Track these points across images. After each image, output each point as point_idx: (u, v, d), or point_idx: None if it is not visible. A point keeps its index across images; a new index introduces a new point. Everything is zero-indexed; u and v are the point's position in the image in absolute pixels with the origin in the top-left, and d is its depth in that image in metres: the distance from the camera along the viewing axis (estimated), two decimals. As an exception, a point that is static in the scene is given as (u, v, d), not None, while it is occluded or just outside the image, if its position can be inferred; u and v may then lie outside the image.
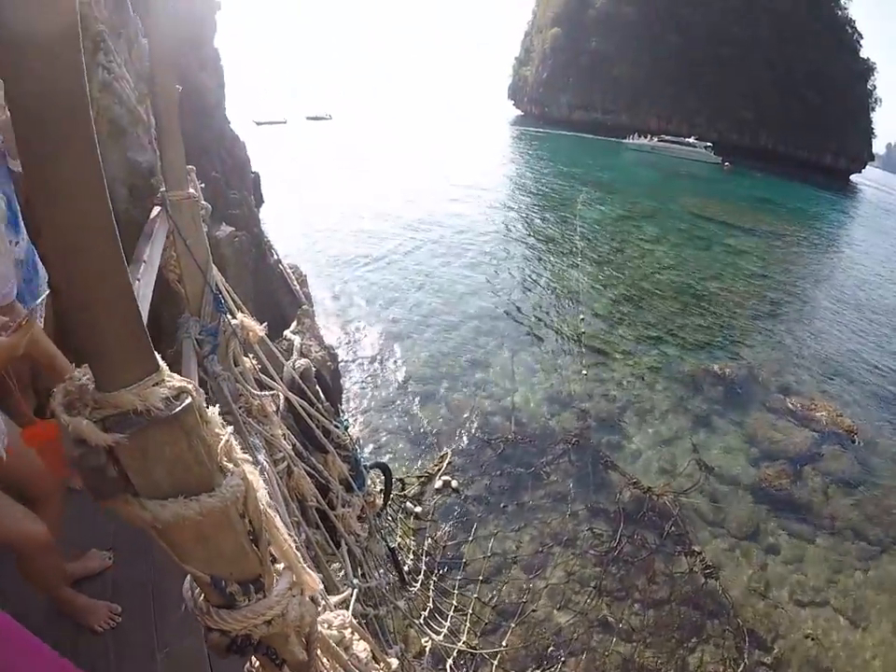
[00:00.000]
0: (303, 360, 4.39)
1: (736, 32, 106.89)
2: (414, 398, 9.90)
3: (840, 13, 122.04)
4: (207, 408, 0.97)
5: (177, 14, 4.70)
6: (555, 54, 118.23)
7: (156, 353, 0.90)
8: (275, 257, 7.76)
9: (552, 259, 19.07)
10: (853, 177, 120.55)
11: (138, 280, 1.99)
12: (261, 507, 1.01)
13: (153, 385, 0.87)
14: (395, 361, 11.06)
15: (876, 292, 24.03)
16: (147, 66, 3.31)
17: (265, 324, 3.14)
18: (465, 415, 9.50)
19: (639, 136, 78.13)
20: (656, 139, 77.14)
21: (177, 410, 0.88)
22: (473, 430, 9.18)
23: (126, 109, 3.81)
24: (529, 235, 21.82)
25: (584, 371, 11.38)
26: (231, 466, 0.97)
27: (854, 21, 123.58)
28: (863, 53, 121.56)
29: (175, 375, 0.92)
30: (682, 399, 11.35)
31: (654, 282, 18.22)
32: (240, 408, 2.83)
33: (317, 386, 4.44)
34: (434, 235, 20.02)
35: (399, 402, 9.70)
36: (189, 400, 0.90)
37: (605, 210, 28.78)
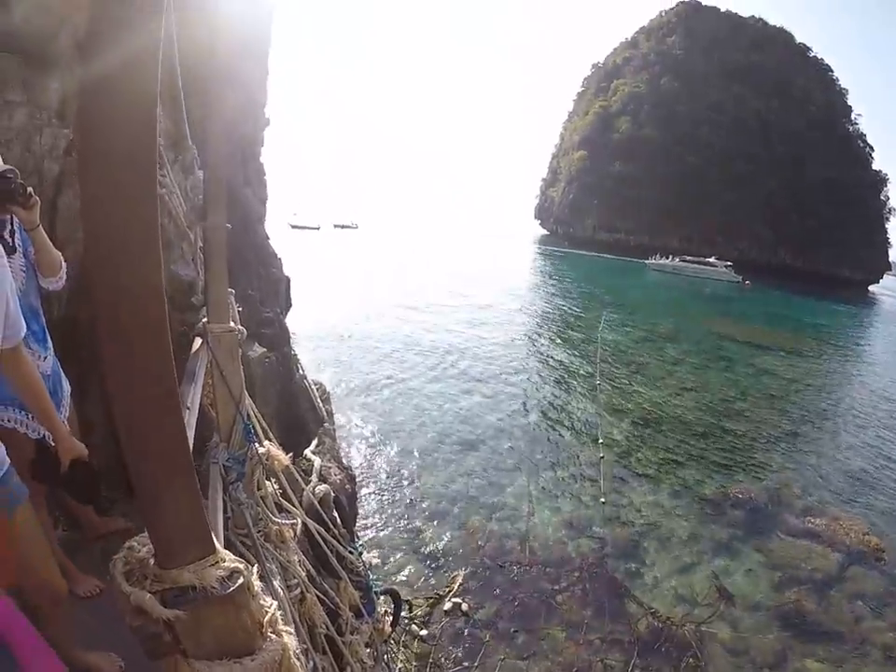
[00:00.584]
0: (323, 486, 4.59)
1: (753, 152, 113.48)
2: (429, 518, 9.97)
3: (851, 128, 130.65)
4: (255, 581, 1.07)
5: (231, 145, 5.11)
6: (581, 176, 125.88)
7: (212, 535, 1.01)
8: (301, 372, 8.02)
9: (572, 381, 19.36)
10: (871, 288, 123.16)
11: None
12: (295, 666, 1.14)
13: (210, 566, 0.98)
14: (411, 482, 11.18)
15: None
16: (200, 200, 3.65)
17: (290, 454, 3.32)
18: (479, 537, 9.52)
19: (661, 257, 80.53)
20: (678, 259, 79.33)
21: (231, 590, 0.98)
22: (487, 553, 9.17)
23: (174, 224, 3.91)
24: (550, 356, 22.27)
25: (602, 498, 11.39)
26: (272, 635, 1.08)
27: (865, 136, 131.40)
28: (875, 165, 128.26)
29: (230, 555, 1.03)
30: (703, 525, 11.24)
31: (675, 404, 18.32)
32: (259, 532, 2.95)
33: (334, 512, 4.60)
34: (455, 355, 20.54)
35: (413, 523, 9.75)
36: (241, 581, 1.00)
37: (627, 331, 29.42)
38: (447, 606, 7.72)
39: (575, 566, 9.25)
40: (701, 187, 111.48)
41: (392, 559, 8.78)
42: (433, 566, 8.76)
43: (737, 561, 10.34)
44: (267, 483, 3.19)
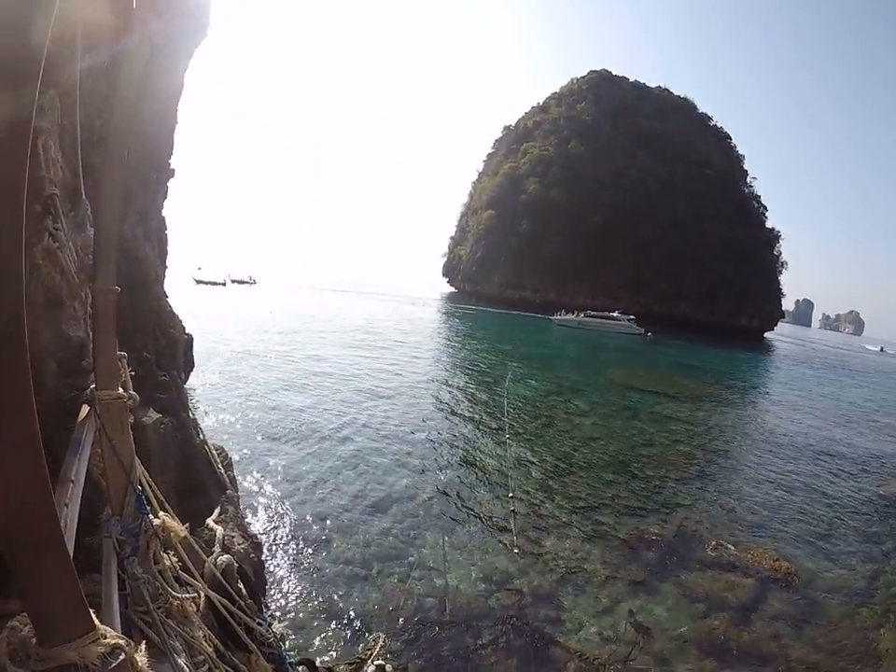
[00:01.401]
0: (225, 557, 4.46)
1: (655, 213, 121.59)
2: (344, 582, 9.68)
3: (747, 190, 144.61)
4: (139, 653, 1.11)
5: (126, 202, 4.90)
6: (489, 235, 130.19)
7: (91, 612, 1.00)
8: (201, 437, 7.81)
9: (482, 436, 19.53)
10: (767, 334, 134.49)
11: (66, 506, 2.01)
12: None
13: (90, 643, 0.98)
14: (323, 545, 10.84)
15: (795, 438, 26.26)
16: (90, 260, 3.41)
17: (188, 524, 3.27)
18: (397, 598, 9.30)
19: (566, 313, 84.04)
20: (582, 314, 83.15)
21: (113, 666, 0.99)
22: (406, 612, 8.96)
23: (66, 281, 3.60)
24: (460, 413, 22.44)
25: (516, 550, 11.39)
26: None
27: (759, 196, 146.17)
28: (769, 224, 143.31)
29: (111, 631, 1.04)
30: (619, 566, 11.47)
31: (584, 454, 18.83)
32: (159, 608, 2.81)
33: (240, 583, 4.47)
34: (364, 415, 20.29)
35: (328, 588, 9.42)
36: (122, 657, 1.02)
37: (534, 385, 30.19)
38: (370, 669, 7.45)
39: (496, 618, 9.18)
40: (605, 245, 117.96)
41: (308, 627, 8.43)
42: (352, 630, 8.49)
43: (657, 597, 10.58)
44: (165, 555, 3.09)
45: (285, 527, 11.38)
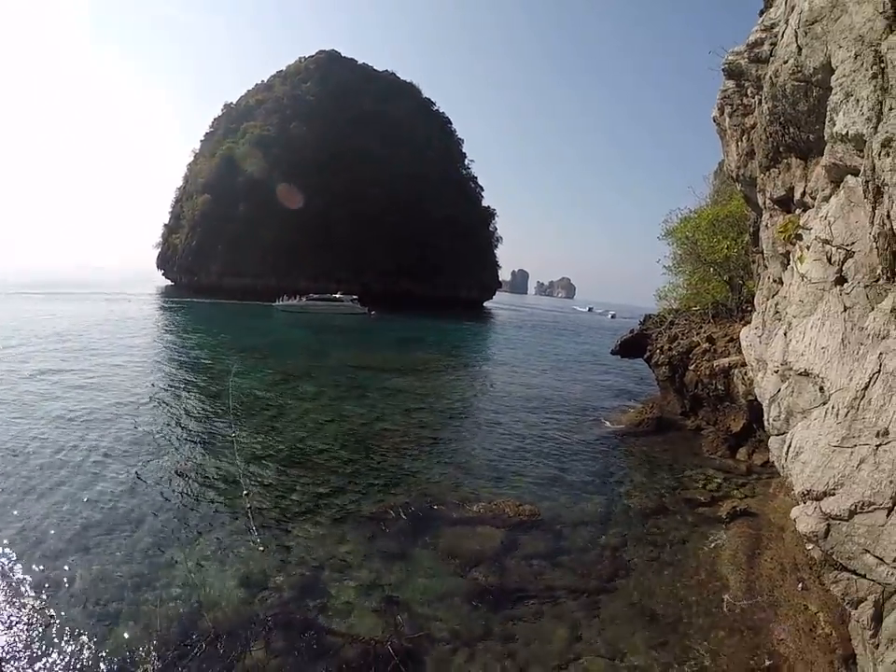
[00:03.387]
0: None
1: (376, 194, 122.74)
2: (92, 624, 8.49)
3: (465, 171, 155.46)
4: None
5: None
6: (205, 221, 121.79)
7: None
8: None
9: (207, 437, 18.20)
10: (487, 304, 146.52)
11: None
12: None
13: None
14: (52, 591, 9.30)
15: (519, 393, 29.43)
16: None
17: None
18: (154, 626, 8.41)
19: (289, 297, 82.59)
20: (305, 298, 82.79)
21: None
22: (169, 638, 8.17)
23: None
24: (182, 417, 20.64)
25: (262, 548, 10.94)
26: None
27: (476, 177, 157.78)
28: (485, 202, 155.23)
29: None
30: (373, 543, 11.59)
31: (319, 438, 18.71)
32: None
33: None
34: (66, 432, 17.71)
35: (73, 637, 8.15)
36: None
37: (260, 375, 29.26)
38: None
39: (262, 621, 8.75)
40: (326, 227, 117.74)
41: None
42: (115, 668, 7.58)
43: (415, 564, 10.88)
44: None
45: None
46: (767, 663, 8.20)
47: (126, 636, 8.24)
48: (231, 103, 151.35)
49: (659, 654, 8.47)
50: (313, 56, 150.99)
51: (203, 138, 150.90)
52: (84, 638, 8.15)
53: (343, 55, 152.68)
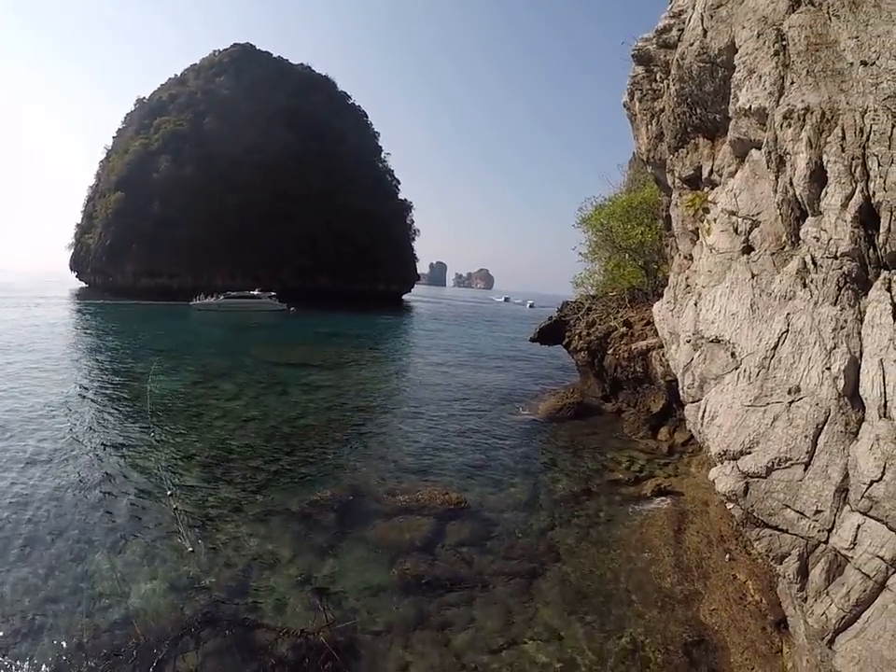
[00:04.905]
0: None
1: (292, 190, 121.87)
2: (13, 636, 8.22)
3: (381, 165, 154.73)
4: None
5: None
6: (118, 219, 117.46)
7: None
8: None
9: (126, 441, 17.49)
10: (405, 297, 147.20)
11: None
12: None
13: None
14: None
15: (439, 384, 29.62)
16: None
17: None
18: (80, 638, 8.12)
19: (205, 296, 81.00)
20: (222, 296, 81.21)
21: None
22: (97, 651, 7.89)
23: None
24: (101, 421, 19.72)
25: (190, 549, 10.68)
26: None
27: (393, 171, 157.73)
28: (402, 195, 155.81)
29: None
30: (301, 538, 11.53)
31: (241, 436, 18.41)
32: None
33: None
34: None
35: None
36: None
37: (179, 376, 28.38)
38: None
39: (193, 624, 8.55)
40: (241, 224, 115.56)
41: None
42: None
43: (345, 557, 10.88)
44: None
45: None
46: (700, 633, 8.55)
47: (54, 650, 7.96)
48: (144, 97, 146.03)
49: (594, 632, 8.73)
50: (227, 49, 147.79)
51: (115, 134, 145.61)
52: (10, 655, 7.86)
53: (257, 48, 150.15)
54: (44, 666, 7.61)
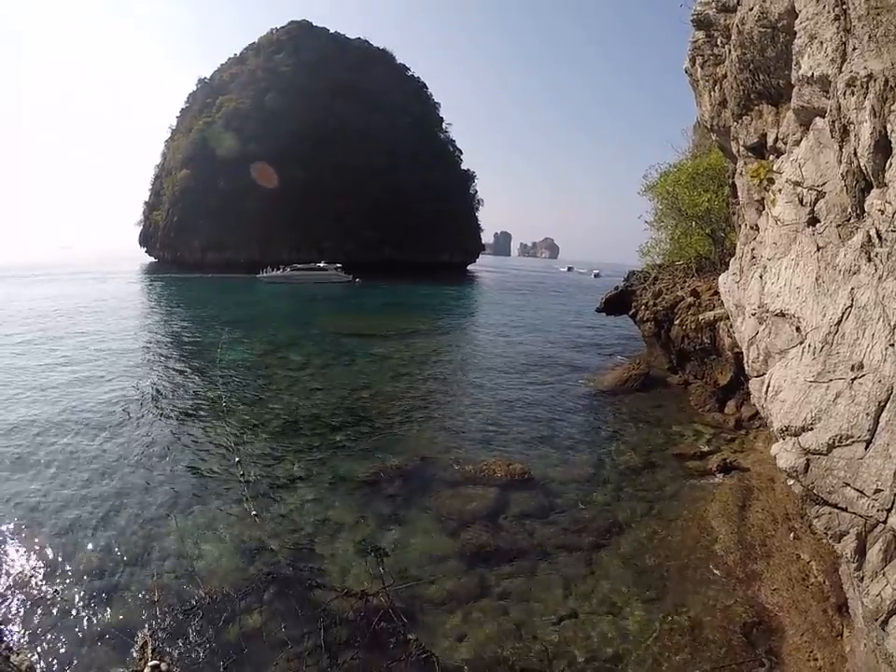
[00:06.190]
0: None
1: (355, 162, 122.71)
2: (91, 594, 8.73)
3: (442, 136, 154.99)
4: None
5: None
6: (185, 196, 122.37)
7: None
8: None
9: (200, 409, 18.45)
10: (470, 267, 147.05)
11: None
12: None
13: None
14: (51, 572, 9.45)
15: (503, 355, 29.90)
16: None
17: None
18: (152, 596, 8.57)
19: (272, 269, 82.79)
20: (289, 269, 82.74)
21: None
22: (167, 607, 8.34)
23: None
24: (172, 393, 20.66)
25: (254, 512, 11.13)
26: None
27: (455, 141, 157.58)
28: (464, 165, 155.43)
29: None
30: (366, 506, 11.87)
31: (308, 407, 18.90)
32: None
33: None
34: (64, 413, 17.59)
35: (73, 611, 8.37)
36: None
37: (248, 347, 29.45)
38: (146, 672, 6.73)
39: (257, 585, 8.95)
40: (306, 198, 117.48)
41: (68, 653, 7.55)
42: (117, 642, 7.71)
43: (409, 526, 11.15)
44: None
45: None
46: (760, 614, 8.48)
47: (126, 608, 8.44)
48: (205, 77, 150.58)
49: (653, 608, 8.73)
50: (284, 27, 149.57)
51: (178, 114, 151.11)
52: (87, 612, 8.34)
53: (314, 24, 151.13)
54: (117, 624, 8.05)
